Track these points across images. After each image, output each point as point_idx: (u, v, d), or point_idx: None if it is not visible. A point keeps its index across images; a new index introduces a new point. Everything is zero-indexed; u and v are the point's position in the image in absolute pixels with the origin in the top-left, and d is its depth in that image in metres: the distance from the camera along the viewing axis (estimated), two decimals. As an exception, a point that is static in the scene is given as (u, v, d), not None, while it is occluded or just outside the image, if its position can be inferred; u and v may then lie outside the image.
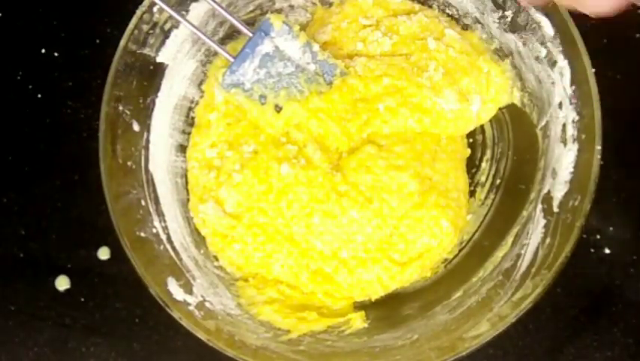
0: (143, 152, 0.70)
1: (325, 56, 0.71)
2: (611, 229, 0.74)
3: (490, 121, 0.75)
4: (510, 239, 0.70)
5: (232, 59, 0.71)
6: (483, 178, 0.76)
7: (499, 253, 0.71)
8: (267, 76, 0.71)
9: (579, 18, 0.67)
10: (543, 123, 0.71)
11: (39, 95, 0.80)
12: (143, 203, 0.69)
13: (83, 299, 0.76)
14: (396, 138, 0.72)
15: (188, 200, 0.73)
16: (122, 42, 0.68)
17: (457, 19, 0.76)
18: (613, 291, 0.75)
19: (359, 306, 0.72)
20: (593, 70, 0.65)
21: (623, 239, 0.74)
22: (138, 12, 0.68)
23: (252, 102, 0.72)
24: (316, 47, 0.71)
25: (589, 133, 0.65)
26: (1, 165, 0.79)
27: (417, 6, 0.76)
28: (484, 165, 0.76)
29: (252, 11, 0.76)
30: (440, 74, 0.72)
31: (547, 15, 0.67)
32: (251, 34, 0.71)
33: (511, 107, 0.74)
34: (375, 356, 0.67)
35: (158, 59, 0.71)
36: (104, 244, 0.76)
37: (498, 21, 0.72)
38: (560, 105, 0.68)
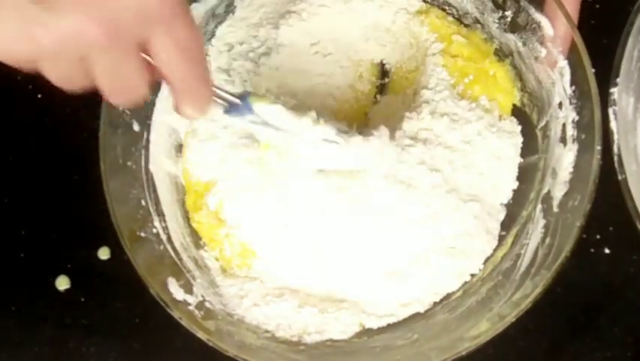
0: (143, 152, 0.70)
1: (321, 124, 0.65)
2: (610, 228, 0.74)
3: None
4: (510, 239, 0.71)
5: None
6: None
7: (499, 253, 0.71)
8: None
9: (580, 18, 0.67)
10: (543, 123, 0.71)
11: (39, 95, 0.80)
12: (143, 203, 0.69)
13: (83, 299, 0.76)
14: None
15: (187, 200, 0.74)
16: (123, 42, 0.68)
17: (458, 20, 0.76)
18: (613, 291, 0.75)
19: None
20: (593, 70, 0.65)
21: (623, 239, 0.74)
22: (138, 12, 0.68)
23: None
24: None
25: (589, 133, 0.65)
26: (1, 165, 0.80)
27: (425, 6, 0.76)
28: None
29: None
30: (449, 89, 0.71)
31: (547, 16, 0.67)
32: (238, 102, 0.62)
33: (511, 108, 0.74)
34: (375, 355, 0.67)
35: (159, 59, 0.71)
36: (104, 244, 0.76)
37: (498, 21, 0.72)
38: (560, 105, 0.68)
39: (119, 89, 0.52)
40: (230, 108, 0.61)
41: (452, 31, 0.74)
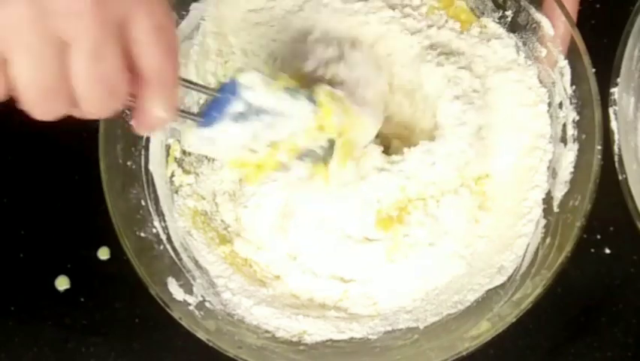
0: (142, 152, 0.70)
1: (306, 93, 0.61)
2: (611, 228, 0.74)
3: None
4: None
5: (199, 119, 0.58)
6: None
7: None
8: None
9: (580, 18, 0.67)
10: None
11: (39, 95, 0.80)
12: (143, 203, 0.69)
13: (82, 299, 0.76)
14: None
15: (187, 200, 0.74)
16: (123, 42, 0.68)
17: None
18: (613, 291, 0.75)
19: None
20: (594, 70, 0.65)
21: (624, 239, 0.74)
22: (138, 12, 0.68)
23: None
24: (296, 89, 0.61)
25: (589, 133, 0.65)
26: (1, 165, 0.79)
27: None
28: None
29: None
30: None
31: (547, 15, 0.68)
32: (217, 95, 0.58)
33: (511, 108, 0.74)
34: (375, 355, 0.67)
35: (158, 59, 0.71)
36: (104, 244, 0.76)
37: (498, 21, 0.72)
38: (561, 105, 0.68)
39: (98, 88, 0.47)
40: (206, 116, 0.57)
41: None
